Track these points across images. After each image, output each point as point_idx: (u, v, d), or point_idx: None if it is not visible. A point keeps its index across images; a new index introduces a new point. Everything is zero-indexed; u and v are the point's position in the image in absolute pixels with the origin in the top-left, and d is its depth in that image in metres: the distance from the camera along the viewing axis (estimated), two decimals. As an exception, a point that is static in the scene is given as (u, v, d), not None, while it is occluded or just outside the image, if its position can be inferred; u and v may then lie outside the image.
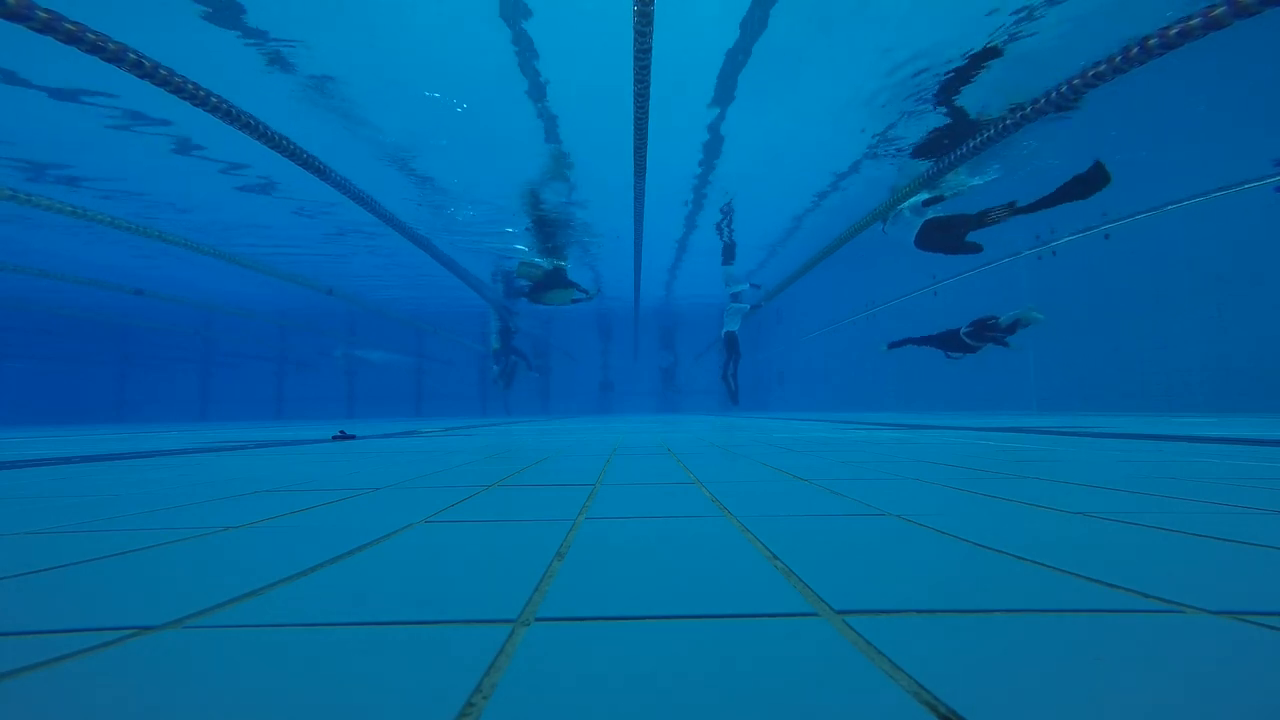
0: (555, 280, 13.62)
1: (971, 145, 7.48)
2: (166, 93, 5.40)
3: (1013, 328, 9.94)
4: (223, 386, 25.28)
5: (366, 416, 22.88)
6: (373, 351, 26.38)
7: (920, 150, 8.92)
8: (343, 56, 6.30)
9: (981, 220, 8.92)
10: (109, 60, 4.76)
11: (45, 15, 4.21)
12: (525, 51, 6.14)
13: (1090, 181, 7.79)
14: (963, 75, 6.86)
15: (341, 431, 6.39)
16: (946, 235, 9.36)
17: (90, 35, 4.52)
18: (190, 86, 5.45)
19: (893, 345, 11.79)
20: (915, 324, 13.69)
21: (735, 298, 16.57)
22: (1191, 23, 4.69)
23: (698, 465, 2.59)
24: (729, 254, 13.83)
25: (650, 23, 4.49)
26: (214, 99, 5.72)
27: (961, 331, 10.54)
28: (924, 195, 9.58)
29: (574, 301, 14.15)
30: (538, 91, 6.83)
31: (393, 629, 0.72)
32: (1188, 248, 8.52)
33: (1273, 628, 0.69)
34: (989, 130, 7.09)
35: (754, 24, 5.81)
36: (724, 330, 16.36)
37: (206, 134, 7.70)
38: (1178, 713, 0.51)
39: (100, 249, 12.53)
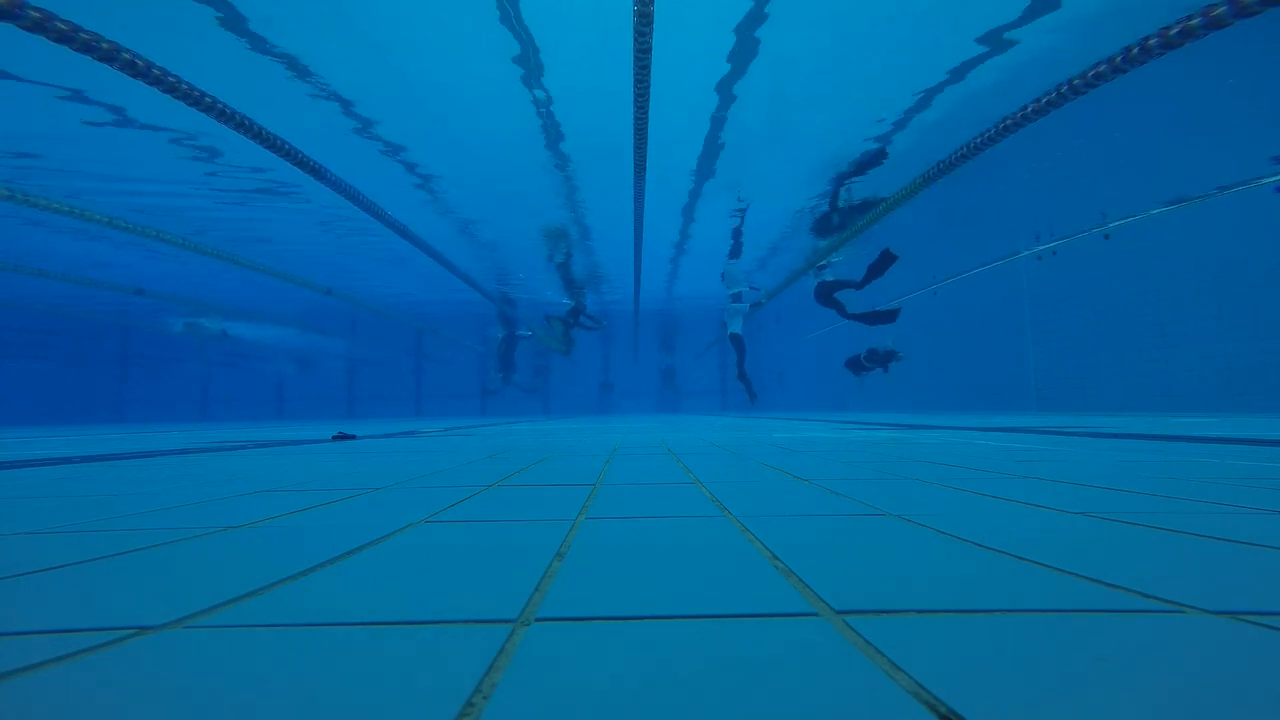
0: (573, 316, 17.76)
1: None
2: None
3: (889, 356, 12.79)
4: (223, 387, 25.25)
5: (367, 416, 22.87)
6: (239, 324, 18.86)
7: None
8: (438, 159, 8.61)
9: (843, 285, 11.70)
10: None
11: (37, 15, 4.23)
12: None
13: (883, 263, 10.46)
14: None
15: (341, 432, 6.39)
16: (826, 299, 12.03)
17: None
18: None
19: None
20: (915, 324, 13.69)
21: (735, 298, 16.60)
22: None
23: (698, 465, 2.59)
24: (733, 251, 13.87)
25: (650, 23, 4.50)
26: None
27: (861, 357, 13.40)
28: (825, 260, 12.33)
29: (586, 328, 18.50)
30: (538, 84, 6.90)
31: (393, 629, 0.72)
32: (1188, 248, 8.51)
33: (1272, 628, 0.69)
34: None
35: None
36: (729, 332, 16.43)
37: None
38: (1178, 713, 0.51)
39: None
